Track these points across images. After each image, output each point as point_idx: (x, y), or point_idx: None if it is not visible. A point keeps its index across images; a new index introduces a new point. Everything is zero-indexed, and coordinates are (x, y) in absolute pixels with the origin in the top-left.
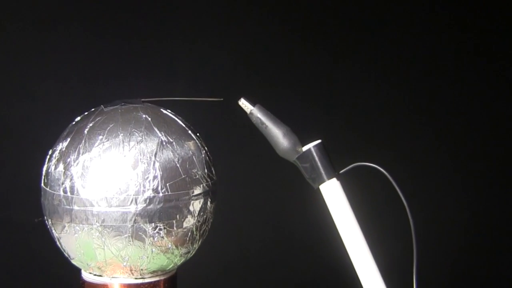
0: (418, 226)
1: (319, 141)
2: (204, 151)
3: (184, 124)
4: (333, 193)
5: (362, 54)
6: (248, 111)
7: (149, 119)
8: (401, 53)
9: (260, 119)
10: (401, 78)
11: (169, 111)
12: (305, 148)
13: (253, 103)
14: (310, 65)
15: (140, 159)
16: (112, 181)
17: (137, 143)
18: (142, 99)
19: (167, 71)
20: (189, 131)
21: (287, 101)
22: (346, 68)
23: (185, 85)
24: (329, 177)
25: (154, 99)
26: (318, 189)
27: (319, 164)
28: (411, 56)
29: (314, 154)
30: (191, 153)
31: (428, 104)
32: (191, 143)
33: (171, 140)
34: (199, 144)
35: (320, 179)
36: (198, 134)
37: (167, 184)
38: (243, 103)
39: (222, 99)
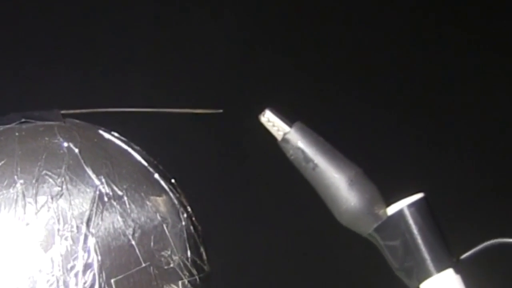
0: None
1: (420, 195)
2: (185, 215)
3: (146, 159)
4: None
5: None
6: (279, 136)
7: (76, 150)
8: None
9: (304, 152)
10: None
11: (116, 134)
12: (392, 210)
13: (289, 120)
14: (389, 56)
15: (59, 230)
16: (3, 274)
17: (52, 198)
18: (62, 111)
19: (116, 59)
20: (156, 175)
21: (351, 116)
22: (469, 67)
23: (147, 85)
24: (441, 267)
25: (84, 110)
26: None
27: (420, 241)
28: None
29: (411, 221)
30: (159, 218)
31: None
32: (159, 199)
33: (120, 193)
34: (176, 201)
35: (422, 271)
36: (173, 180)
37: (112, 281)
38: (270, 120)
39: (221, 110)
